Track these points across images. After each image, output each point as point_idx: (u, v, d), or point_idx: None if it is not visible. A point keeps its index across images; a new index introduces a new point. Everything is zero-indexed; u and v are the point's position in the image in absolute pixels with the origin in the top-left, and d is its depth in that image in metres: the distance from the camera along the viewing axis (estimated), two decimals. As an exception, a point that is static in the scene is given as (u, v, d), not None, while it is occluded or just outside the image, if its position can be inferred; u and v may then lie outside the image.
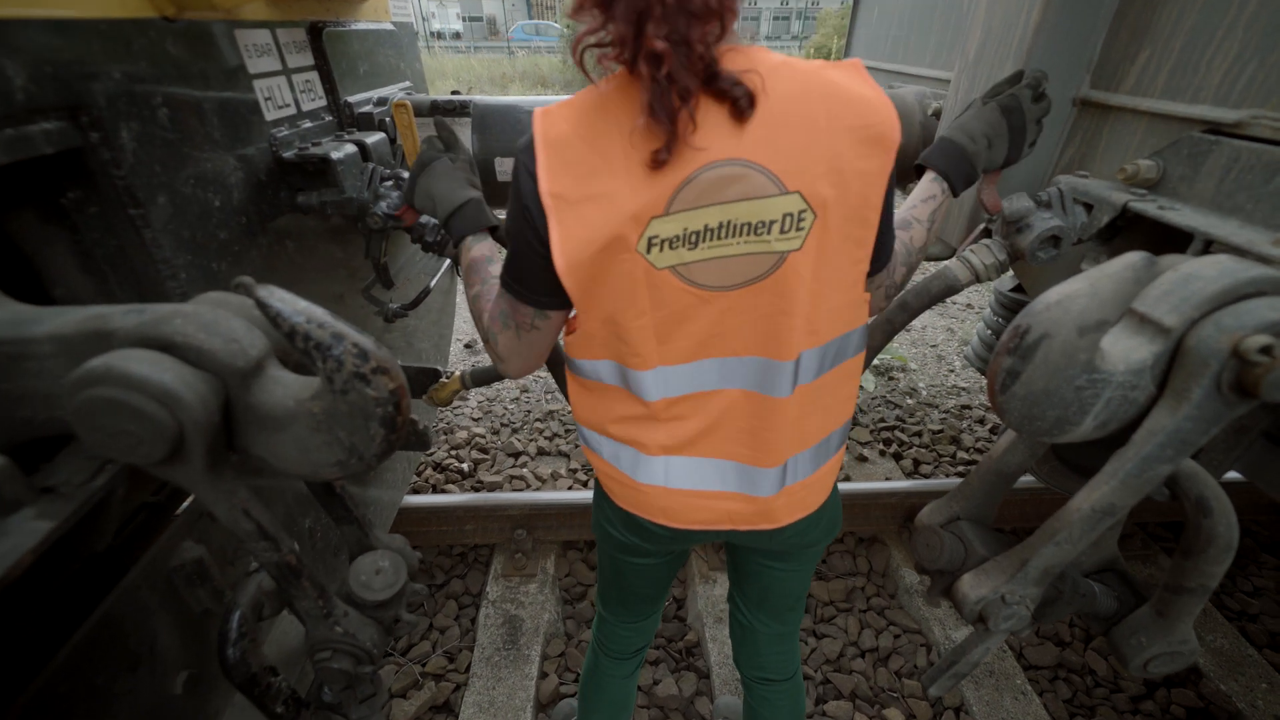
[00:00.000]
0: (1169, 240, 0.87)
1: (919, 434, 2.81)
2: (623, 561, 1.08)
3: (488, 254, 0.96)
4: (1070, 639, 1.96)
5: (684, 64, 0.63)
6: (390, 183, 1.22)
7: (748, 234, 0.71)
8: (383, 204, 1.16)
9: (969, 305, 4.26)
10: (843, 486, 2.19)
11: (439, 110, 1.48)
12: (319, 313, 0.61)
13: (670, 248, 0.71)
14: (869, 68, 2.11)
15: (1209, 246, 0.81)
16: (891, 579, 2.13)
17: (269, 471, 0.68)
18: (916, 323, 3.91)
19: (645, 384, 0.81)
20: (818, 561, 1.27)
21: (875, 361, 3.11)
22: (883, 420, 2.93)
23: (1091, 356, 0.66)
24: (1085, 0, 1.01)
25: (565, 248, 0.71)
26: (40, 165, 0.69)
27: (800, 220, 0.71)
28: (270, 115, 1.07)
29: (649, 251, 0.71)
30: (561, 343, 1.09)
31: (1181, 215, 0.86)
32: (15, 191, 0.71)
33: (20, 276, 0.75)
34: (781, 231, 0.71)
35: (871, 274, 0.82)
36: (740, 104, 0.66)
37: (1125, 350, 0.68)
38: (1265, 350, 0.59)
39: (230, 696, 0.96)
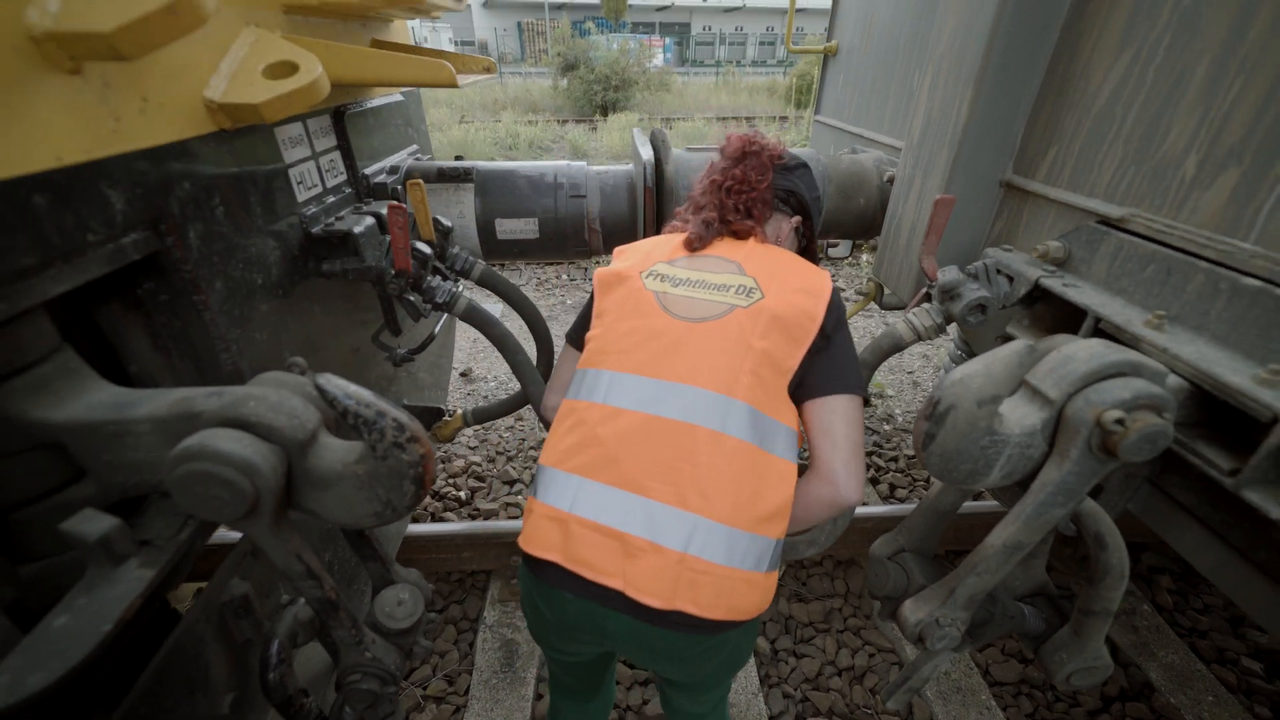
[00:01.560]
0: (1075, 311, 1.04)
1: (895, 459, 2.97)
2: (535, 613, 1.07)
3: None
4: (1033, 657, 2.10)
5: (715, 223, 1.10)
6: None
7: (712, 290, 1.00)
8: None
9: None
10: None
11: (445, 178, 1.64)
12: (364, 393, 0.76)
13: (659, 281, 1.04)
14: (835, 127, 2.31)
15: (1098, 322, 0.98)
16: (867, 601, 2.27)
17: (317, 521, 0.82)
18: (895, 349, 4.08)
19: (600, 383, 0.99)
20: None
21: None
22: (861, 446, 3.09)
23: (991, 422, 0.82)
24: (1006, 100, 1.20)
25: (603, 272, 1.11)
26: (127, 267, 0.83)
27: (750, 293, 0.97)
28: (301, 196, 1.23)
29: (645, 279, 1.05)
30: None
31: (1080, 293, 1.03)
32: (105, 289, 0.86)
33: (103, 356, 0.90)
34: (735, 294, 0.98)
35: (826, 385, 0.96)
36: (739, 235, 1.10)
37: (1020, 416, 0.84)
38: (1119, 421, 0.76)
39: (266, 715, 1.08)
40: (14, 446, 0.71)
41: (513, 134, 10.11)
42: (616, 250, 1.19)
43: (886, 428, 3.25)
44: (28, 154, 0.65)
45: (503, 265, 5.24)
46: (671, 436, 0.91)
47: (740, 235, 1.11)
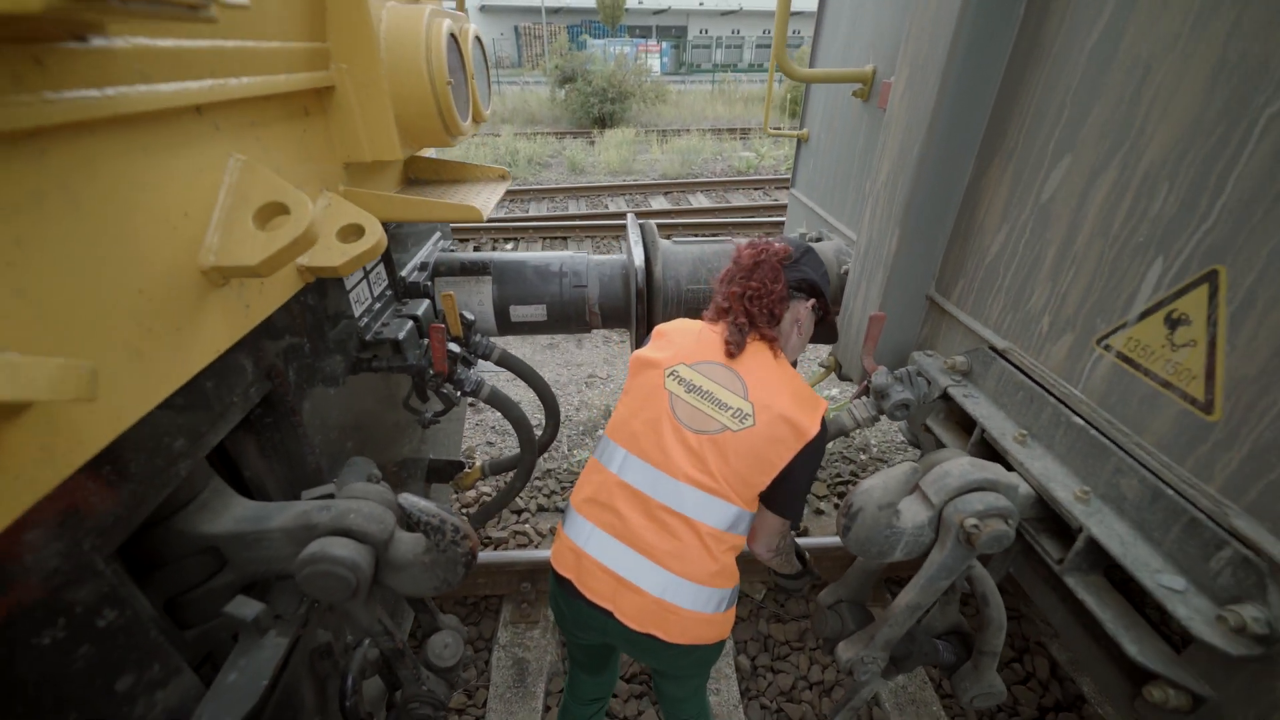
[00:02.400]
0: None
1: (868, 488, 3.27)
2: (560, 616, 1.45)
3: None
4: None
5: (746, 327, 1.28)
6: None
7: (715, 405, 1.24)
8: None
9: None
10: (801, 540, 2.64)
11: (467, 271, 1.93)
12: (430, 506, 1.05)
13: (676, 383, 1.27)
14: (806, 205, 2.60)
15: (984, 432, 1.28)
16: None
17: (391, 592, 1.12)
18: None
19: (616, 457, 1.27)
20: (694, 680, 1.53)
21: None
22: (838, 475, 3.39)
23: (890, 519, 1.12)
24: (926, 238, 1.49)
25: (639, 353, 1.35)
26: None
27: (744, 419, 1.22)
28: (357, 312, 1.52)
29: (667, 378, 1.28)
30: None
31: (975, 404, 1.33)
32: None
33: (225, 463, 1.19)
34: (731, 416, 1.22)
35: (773, 507, 1.27)
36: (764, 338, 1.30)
37: (913, 514, 1.14)
38: (975, 525, 1.05)
39: None
40: (187, 551, 1.00)
41: (512, 150, 10.38)
42: (657, 330, 1.41)
43: (863, 457, 3.55)
44: (202, 353, 0.94)
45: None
46: (661, 514, 1.23)
47: (764, 338, 1.31)
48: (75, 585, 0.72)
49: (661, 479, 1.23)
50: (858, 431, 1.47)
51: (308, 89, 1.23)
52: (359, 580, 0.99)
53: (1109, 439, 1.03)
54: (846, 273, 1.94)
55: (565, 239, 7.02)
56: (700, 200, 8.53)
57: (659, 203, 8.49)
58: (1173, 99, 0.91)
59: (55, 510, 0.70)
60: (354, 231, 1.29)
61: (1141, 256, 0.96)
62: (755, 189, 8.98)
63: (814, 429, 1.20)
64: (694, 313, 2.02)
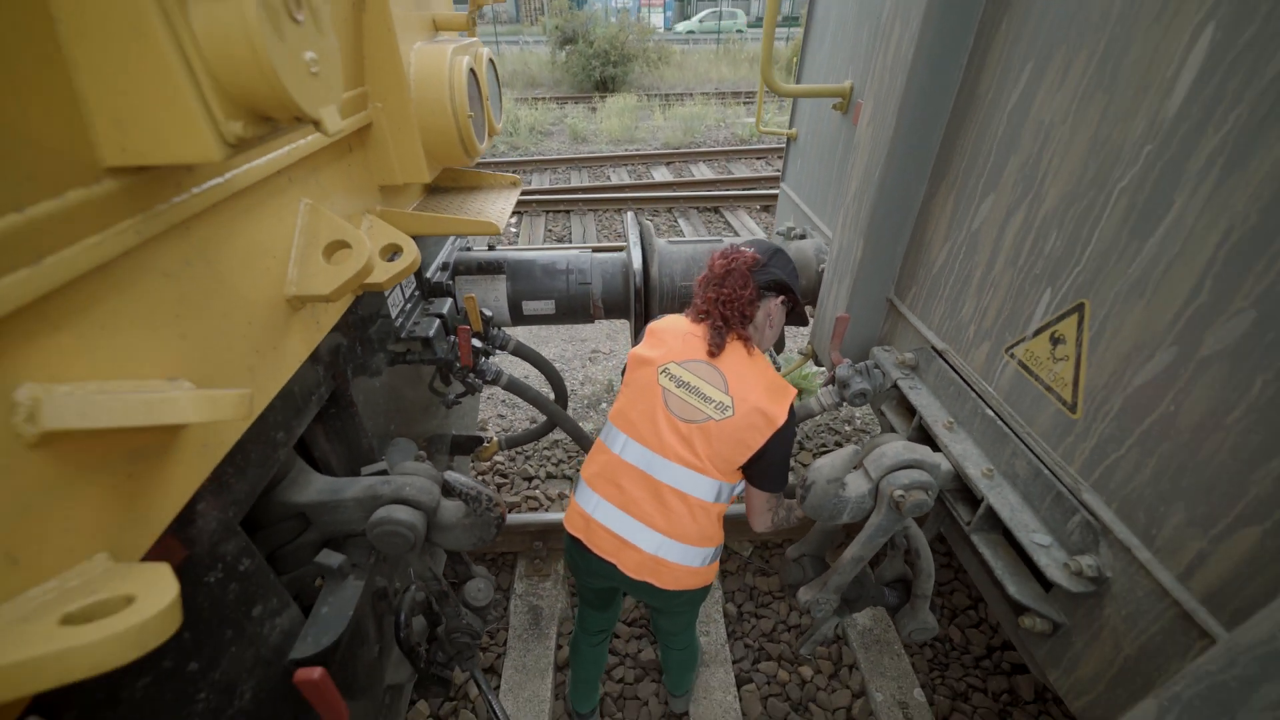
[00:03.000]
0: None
1: (850, 456, 3.57)
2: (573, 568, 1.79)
3: None
4: (937, 618, 2.74)
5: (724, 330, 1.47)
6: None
7: (701, 399, 1.47)
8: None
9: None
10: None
11: (484, 270, 2.17)
12: (469, 480, 1.33)
13: (669, 380, 1.50)
14: (794, 201, 2.80)
15: (921, 419, 1.54)
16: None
17: (437, 547, 1.41)
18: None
19: (618, 441, 1.55)
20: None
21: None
22: (824, 445, 3.68)
23: (837, 491, 1.39)
24: (886, 250, 1.71)
25: (635, 351, 1.56)
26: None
27: (725, 410, 1.45)
28: (393, 314, 1.77)
29: (660, 375, 1.49)
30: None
31: (917, 394, 1.59)
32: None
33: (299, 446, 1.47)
34: (714, 409, 1.46)
35: (757, 484, 1.53)
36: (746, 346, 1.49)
37: (857, 486, 1.41)
38: (902, 496, 1.33)
39: (391, 654, 1.68)
40: (282, 516, 1.29)
41: (513, 119, 10.37)
42: (650, 329, 1.60)
43: (848, 428, 3.84)
44: (290, 364, 1.20)
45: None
46: (656, 488, 1.50)
47: (740, 337, 1.51)
48: (224, 542, 1.00)
49: (656, 460, 1.50)
50: (824, 414, 1.74)
51: (353, 130, 1.45)
52: (416, 538, 1.28)
53: (1009, 428, 1.30)
54: (821, 271, 2.17)
55: (568, 212, 7.17)
56: (703, 171, 8.61)
57: (661, 174, 8.57)
58: (1063, 162, 1.13)
59: (211, 489, 0.97)
60: (393, 249, 1.54)
61: (1037, 286, 1.20)
62: (758, 158, 9.03)
63: (783, 417, 1.44)
64: (686, 304, 2.27)
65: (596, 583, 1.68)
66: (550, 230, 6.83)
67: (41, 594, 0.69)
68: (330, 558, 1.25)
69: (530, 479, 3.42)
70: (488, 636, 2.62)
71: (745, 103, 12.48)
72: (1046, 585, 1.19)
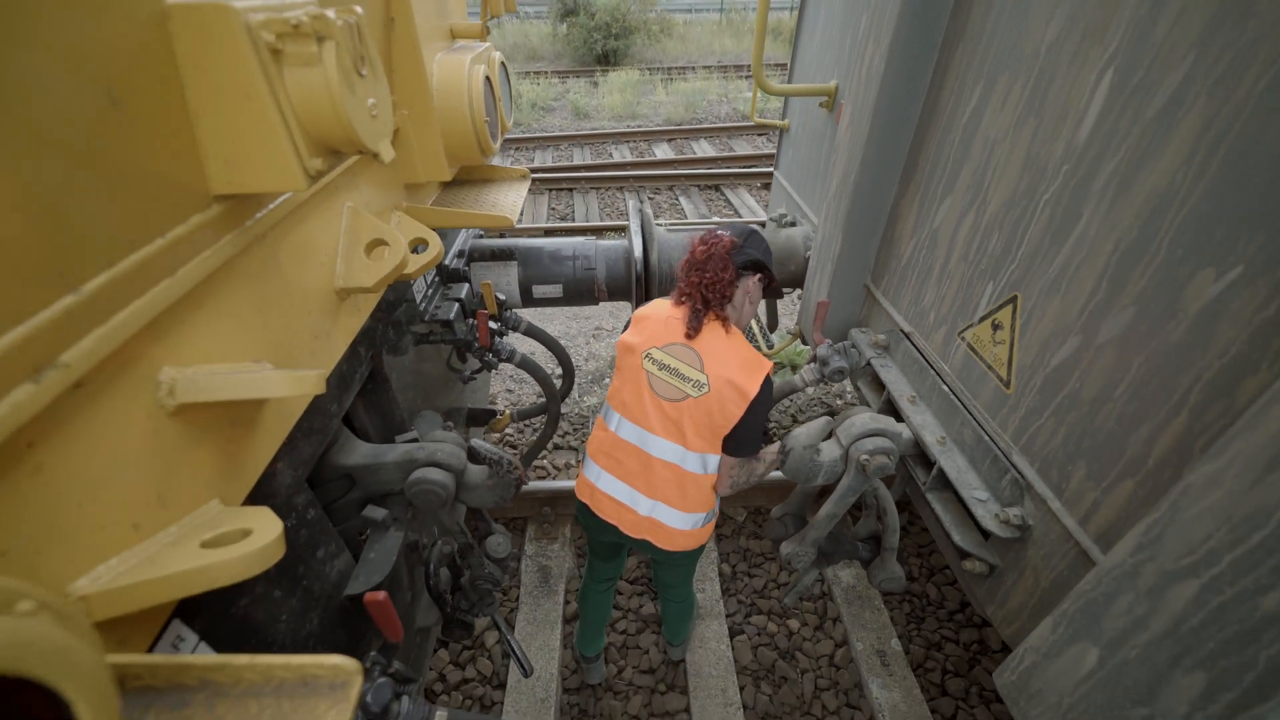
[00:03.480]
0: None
1: (840, 430, 3.79)
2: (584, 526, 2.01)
3: None
4: (916, 575, 2.99)
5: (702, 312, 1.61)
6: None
7: (680, 379, 1.65)
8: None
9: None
10: (776, 473, 3.17)
11: (497, 257, 2.36)
12: (492, 447, 1.55)
13: (651, 364, 1.66)
14: (786, 190, 2.97)
15: (889, 394, 1.74)
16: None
17: (464, 505, 1.64)
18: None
19: (614, 420, 1.76)
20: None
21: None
22: (816, 416, 3.91)
23: (812, 456, 1.61)
24: (864, 242, 1.90)
25: (623, 338, 1.71)
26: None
27: (701, 388, 1.65)
28: (417, 299, 1.96)
29: (645, 360, 1.66)
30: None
31: (887, 372, 1.79)
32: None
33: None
34: (692, 387, 1.65)
35: (730, 451, 1.69)
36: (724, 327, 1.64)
37: (829, 452, 1.63)
38: (867, 459, 1.54)
39: (421, 600, 1.92)
40: (333, 477, 1.51)
41: (515, 95, 10.37)
42: (636, 316, 1.74)
43: (839, 402, 4.05)
44: (340, 346, 1.40)
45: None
46: (648, 460, 1.71)
47: (718, 318, 1.64)
48: (296, 494, 1.22)
49: (647, 436, 1.71)
50: (808, 389, 1.94)
51: (386, 139, 1.63)
52: (447, 495, 1.50)
53: (959, 401, 1.50)
54: (807, 258, 2.35)
55: (571, 190, 7.29)
56: (704, 148, 8.68)
57: (663, 150, 8.65)
58: (1004, 174, 1.31)
59: (285, 450, 1.18)
60: (419, 242, 1.73)
61: (982, 280, 1.40)
62: (759, 134, 9.08)
63: (755, 389, 1.58)
64: (684, 289, 2.47)
65: (605, 538, 1.91)
66: (554, 209, 6.96)
67: (179, 529, 0.91)
68: (375, 512, 1.48)
69: (524, 483, 3.65)
70: (501, 593, 2.88)
71: (747, 76, 12.41)
72: (985, 534, 1.41)
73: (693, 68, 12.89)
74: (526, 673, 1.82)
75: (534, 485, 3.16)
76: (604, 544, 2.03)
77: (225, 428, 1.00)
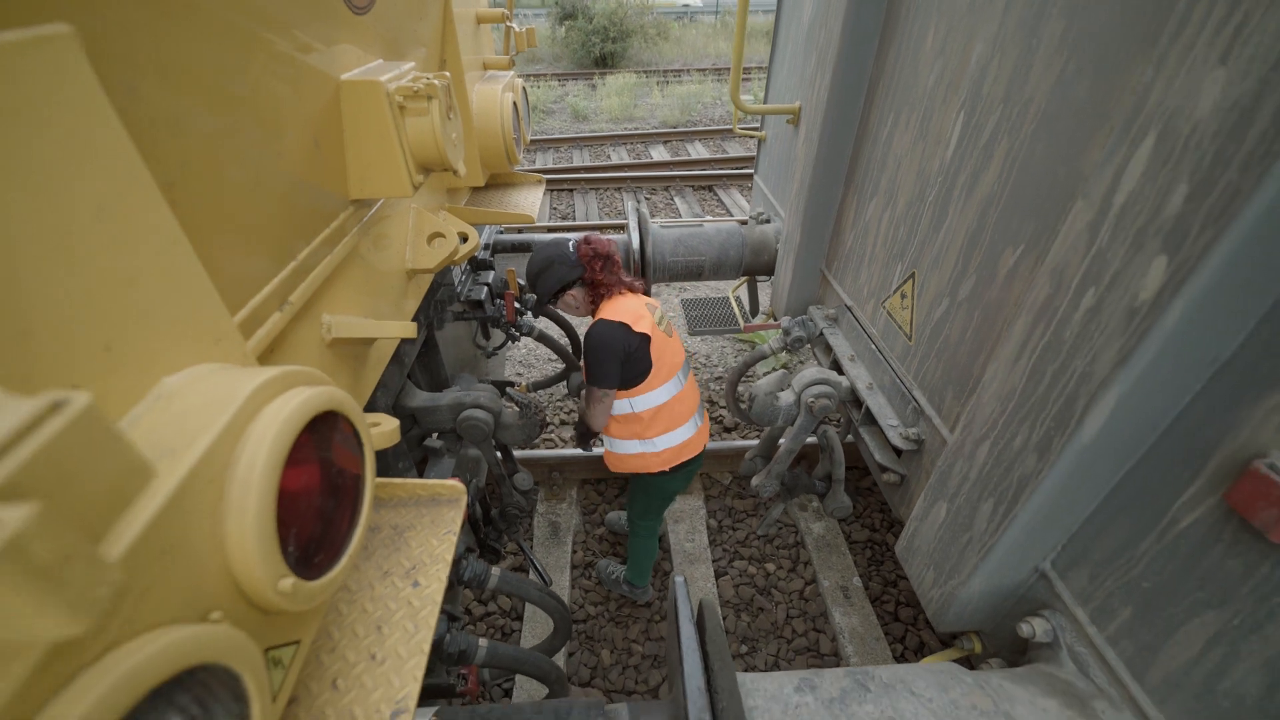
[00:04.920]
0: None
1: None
2: (669, 491, 2.45)
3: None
4: (877, 527, 3.48)
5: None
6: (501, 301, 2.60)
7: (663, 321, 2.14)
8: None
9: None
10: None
11: (517, 249, 2.84)
12: (521, 394, 2.04)
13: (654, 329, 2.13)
14: (764, 193, 3.45)
15: (836, 355, 2.23)
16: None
17: (500, 442, 2.12)
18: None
19: (652, 399, 2.23)
20: None
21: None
22: (796, 397, 4.39)
23: (772, 401, 2.09)
24: (818, 233, 2.39)
25: (640, 331, 2.11)
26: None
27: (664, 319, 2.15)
28: (455, 282, 2.44)
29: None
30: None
31: (835, 339, 2.28)
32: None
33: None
34: (665, 321, 2.14)
35: None
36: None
37: (786, 398, 2.11)
38: (813, 400, 2.02)
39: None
40: (402, 416, 1.99)
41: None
42: (632, 315, 1.97)
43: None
44: (410, 312, 1.88)
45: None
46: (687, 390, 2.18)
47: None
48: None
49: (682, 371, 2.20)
50: (774, 355, 2.42)
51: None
52: (489, 429, 1.98)
53: (882, 355, 1.99)
54: (775, 251, 2.84)
55: (571, 191, 7.77)
56: (699, 150, 9.17)
57: (659, 153, 9.14)
58: (906, 181, 1.80)
59: (382, 381, 1.66)
60: (462, 235, 2.21)
61: (895, 261, 1.88)
62: (751, 137, 9.57)
63: None
64: (674, 275, 2.96)
65: (688, 481, 2.35)
66: (555, 208, 7.44)
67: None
68: (434, 442, 1.95)
69: (546, 424, 4.13)
70: (515, 545, 3.35)
71: (743, 79, 12.93)
72: (898, 452, 1.89)
73: (688, 70, 13.40)
74: (547, 583, 2.29)
75: (543, 453, 3.64)
76: (678, 490, 2.39)
77: (352, 359, 1.48)
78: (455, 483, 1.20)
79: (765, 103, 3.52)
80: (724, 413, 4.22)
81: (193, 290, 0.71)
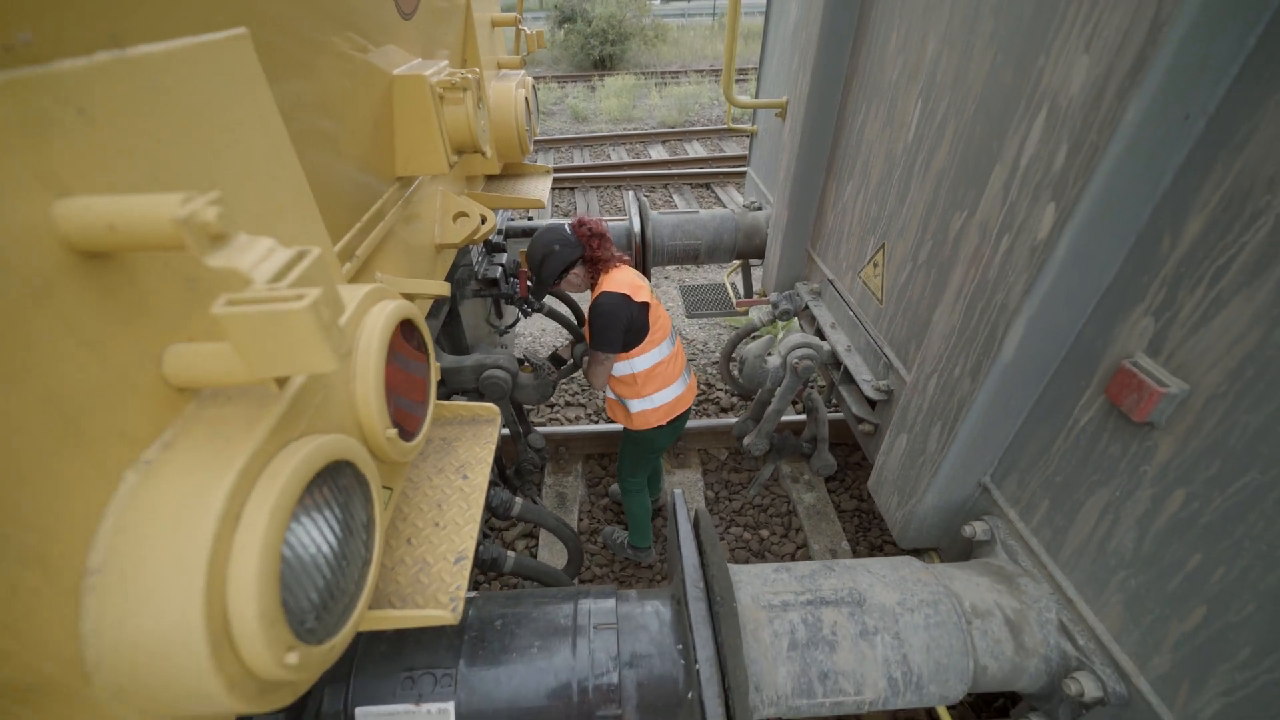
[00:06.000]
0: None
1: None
2: (658, 445, 2.71)
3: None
4: (865, 497, 3.72)
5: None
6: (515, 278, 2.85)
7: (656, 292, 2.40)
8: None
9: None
10: (749, 419, 3.90)
11: (526, 234, 3.09)
12: (538, 358, 2.29)
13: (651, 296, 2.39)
14: (757, 183, 3.72)
15: (818, 324, 2.47)
16: (776, 480, 3.87)
17: (517, 400, 2.37)
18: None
19: (650, 359, 2.48)
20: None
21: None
22: (789, 379, 4.64)
23: (761, 364, 2.34)
24: (804, 215, 2.64)
25: (642, 300, 2.37)
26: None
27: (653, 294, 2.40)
28: (473, 261, 2.69)
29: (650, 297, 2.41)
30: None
31: (818, 309, 2.53)
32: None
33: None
34: (655, 293, 2.39)
35: None
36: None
37: (774, 361, 2.36)
38: (796, 361, 2.27)
39: None
40: (429, 375, 2.23)
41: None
42: (632, 286, 2.26)
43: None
44: (443, 276, 2.12)
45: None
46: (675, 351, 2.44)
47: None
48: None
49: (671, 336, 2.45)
50: (764, 327, 2.68)
51: (460, 143, 2.37)
52: (508, 387, 2.23)
53: (858, 320, 2.24)
54: (769, 232, 3.09)
55: (572, 189, 8.03)
56: (696, 149, 9.44)
57: (657, 152, 9.40)
58: (876, 163, 2.05)
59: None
60: (481, 216, 2.46)
61: (868, 235, 2.13)
62: (748, 135, 9.84)
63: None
64: (673, 258, 3.21)
65: (675, 437, 2.60)
66: (557, 206, 7.70)
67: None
68: (458, 400, 2.20)
69: (553, 405, 4.38)
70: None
71: (738, 80, 13.21)
72: (872, 404, 2.14)
73: (685, 72, 13.69)
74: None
75: (550, 430, 3.88)
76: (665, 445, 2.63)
77: (394, 316, 1.73)
78: (491, 405, 1.45)
79: (756, 98, 3.78)
80: (720, 394, 4.47)
81: (316, 228, 0.96)
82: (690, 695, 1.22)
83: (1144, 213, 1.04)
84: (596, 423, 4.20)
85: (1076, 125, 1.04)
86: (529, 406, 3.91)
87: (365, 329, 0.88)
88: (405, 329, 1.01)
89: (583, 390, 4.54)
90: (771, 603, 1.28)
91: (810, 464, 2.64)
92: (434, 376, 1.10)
